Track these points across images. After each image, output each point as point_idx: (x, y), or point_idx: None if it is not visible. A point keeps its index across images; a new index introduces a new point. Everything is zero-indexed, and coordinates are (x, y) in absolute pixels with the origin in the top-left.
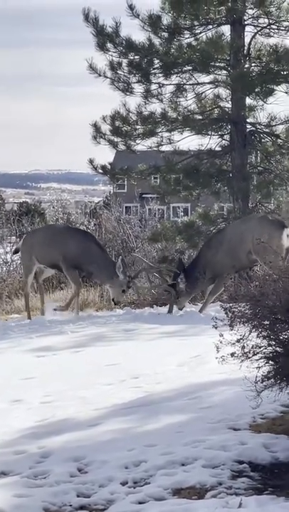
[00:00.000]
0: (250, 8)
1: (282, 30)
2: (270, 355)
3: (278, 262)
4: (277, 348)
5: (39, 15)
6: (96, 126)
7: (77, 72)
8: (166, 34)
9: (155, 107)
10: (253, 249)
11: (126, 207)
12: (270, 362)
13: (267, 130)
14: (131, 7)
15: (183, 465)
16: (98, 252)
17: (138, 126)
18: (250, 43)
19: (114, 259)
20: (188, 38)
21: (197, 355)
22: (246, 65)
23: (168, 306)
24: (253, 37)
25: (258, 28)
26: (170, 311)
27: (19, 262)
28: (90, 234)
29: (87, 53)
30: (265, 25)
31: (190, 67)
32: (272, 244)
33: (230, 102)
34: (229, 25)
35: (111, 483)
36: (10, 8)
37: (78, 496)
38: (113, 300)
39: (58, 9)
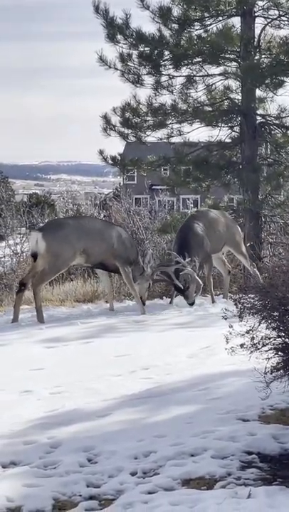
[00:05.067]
0: (260, 0)
1: None
2: (280, 346)
3: None
4: (287, 340)
5: (43, 8)
6: (106, 118)
7: (89, 65)
8: (176, 26)
9: (165, 98)
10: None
11: (136, 198)
12: (280, 353)
13: (277, 122)
14: None
15: (192, 456)
16: None
17: (148, 118)
18: (260, 35)
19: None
20: (199, 29)
21: (207, 346)
22: (256, 57)
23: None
24: (263, 28)
25: (268, 20)
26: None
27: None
28: None
29: (96, 46)
30: (275, 16)
31: (200, 59)
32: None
33: (240, 94)
34: (239, 17)
35: (120, 473)
36: (12, 3)
37: (88, 486)
38: None
39: (63, 2)
